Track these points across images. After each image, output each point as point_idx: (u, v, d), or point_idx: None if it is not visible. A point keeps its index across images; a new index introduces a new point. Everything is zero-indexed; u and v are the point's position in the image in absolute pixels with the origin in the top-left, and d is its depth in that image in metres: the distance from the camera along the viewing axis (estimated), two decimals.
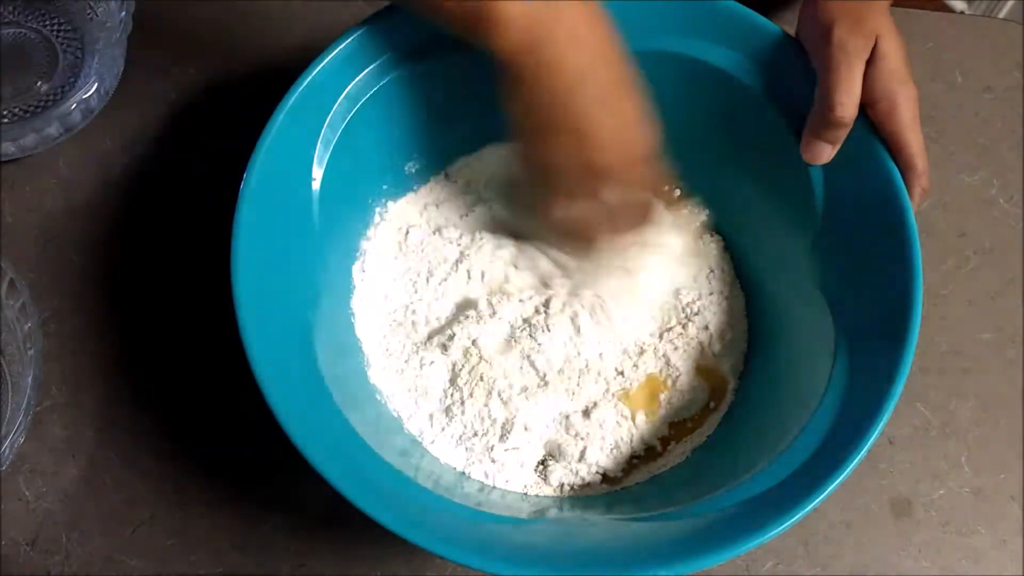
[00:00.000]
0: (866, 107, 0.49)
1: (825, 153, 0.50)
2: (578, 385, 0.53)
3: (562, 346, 0.54)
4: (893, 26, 0.49)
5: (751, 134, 0.55)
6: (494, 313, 0.54)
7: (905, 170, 0.49)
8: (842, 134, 0.49)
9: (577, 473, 0.52)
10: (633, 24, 0.51)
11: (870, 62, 0.49)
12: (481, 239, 0.56)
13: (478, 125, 0.56)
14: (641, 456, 0.53)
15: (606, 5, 0.48)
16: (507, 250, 0.56)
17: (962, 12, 0.73)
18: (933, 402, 0.58)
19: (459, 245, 0.57)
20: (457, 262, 0.56)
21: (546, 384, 0.53)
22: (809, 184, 0.53)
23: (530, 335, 0.53)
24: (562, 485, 0.52)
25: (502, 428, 0.52)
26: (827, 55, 0.49)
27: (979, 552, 0.55)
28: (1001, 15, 0.73)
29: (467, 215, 0.58)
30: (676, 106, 0.55)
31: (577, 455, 0.52)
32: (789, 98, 0.52)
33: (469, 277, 0.56)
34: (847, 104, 0.48)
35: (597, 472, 0.52)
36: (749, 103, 0.53)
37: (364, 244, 0.56)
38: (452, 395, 0.54)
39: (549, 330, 0.53)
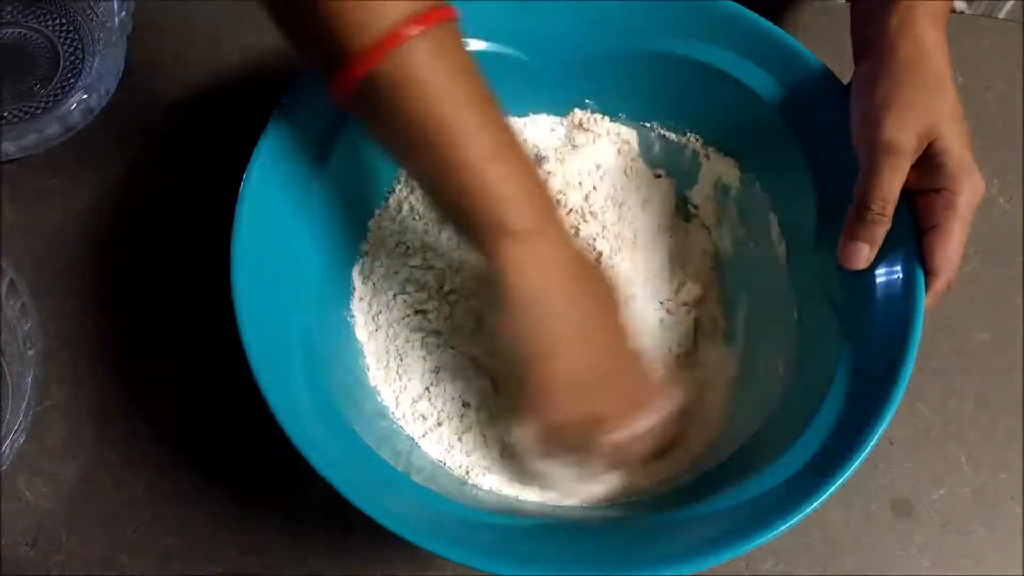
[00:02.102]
0: (919, 195, 0.47)
1: (863, 255, 0.47)
2: None
3: None
4: (956, 109, 0.46)
5: (762, 144, 0.55)
6: None
7: (941, 265, 0.46)
8: (880, 233, 0.46)
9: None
10: (656, 26, 0.53)
11: (928, 156, 0.46)
12: None
13: None
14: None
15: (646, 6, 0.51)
16: None
17: (962, 12, 0.73)
18: (933, 402, 0.58)
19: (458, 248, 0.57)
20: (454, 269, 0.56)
21: None
22: (810, 186, 0.53)
23: None
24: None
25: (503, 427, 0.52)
26: (872, 149, 0.46)
27: (979, 552, 0.55)
28: (1001, 15, 0.73)
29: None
30: (692, 109, 0.55)
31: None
32: (804, 119, 0.53)
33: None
34: (885, 203, 0.46)
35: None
36: (765, 117, 0.54)
37: (364, 246, 0.56)
38: (452, 395, 0.54)
39: None
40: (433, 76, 0.43)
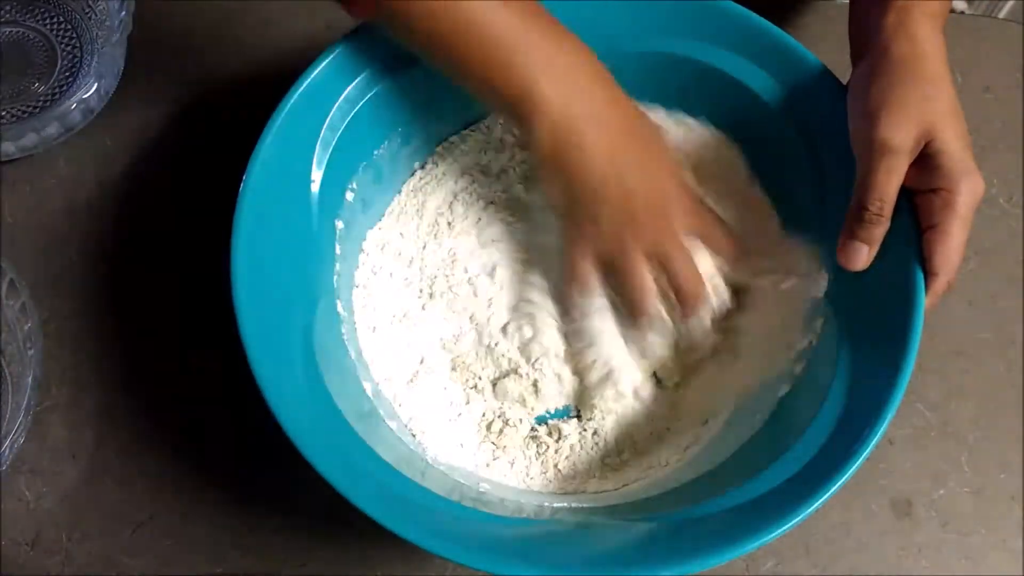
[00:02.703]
0: (918, 195, 0.47)
1: (862, 255, 0.47)
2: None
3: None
4: (954, 108, 0.46)
5: (761, 144, 0.55)
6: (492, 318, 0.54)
7: (941, 266, 0.46)
8: (878, 233, 0.47)
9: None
10: (655, 26, 0.54)
11: (926, 156, 0.46)
12: (491, 260, 0.56)
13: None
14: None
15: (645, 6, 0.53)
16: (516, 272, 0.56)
17: (962, 12, 0.73)
18: (933, 402, 0.58)
19: (454, 253, 0.56)
20: (453, 270, 0.56)
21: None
22: (810, 186, 0.53)
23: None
24: (560, 474, 0.52)
25: (503, 427, 0.52)
26: (868, 150, 0.46)
27: (979, 552, 0.55)
28: (1001, 15, 0.73)
29: (469, 220, 0.57)
30: (692, 109, 0.55)
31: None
32: (804, 119, 0.53)
33: (472, 288, 0.56)
34: (883, 203, 0.46)
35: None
36: (766, 117, 0.54)
37: (365, 245, 0.56)
38: (452, 395, 0.54)
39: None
40: None
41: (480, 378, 0.54)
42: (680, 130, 0.56)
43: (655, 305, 0.51)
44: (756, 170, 0.56)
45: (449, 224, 0.57)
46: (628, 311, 0.51)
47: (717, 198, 0.55)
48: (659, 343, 0.52)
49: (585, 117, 0.49)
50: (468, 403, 0.54)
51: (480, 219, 0.57)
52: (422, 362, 0.54)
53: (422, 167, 0.58)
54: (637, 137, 0.51)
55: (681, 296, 0.51)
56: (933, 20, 0.48)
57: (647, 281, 0.50)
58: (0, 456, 0.51)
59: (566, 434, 0.53)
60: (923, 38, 0.47)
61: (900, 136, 0.45)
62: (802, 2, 0.69)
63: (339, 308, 0.52)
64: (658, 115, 0.56)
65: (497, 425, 0.53)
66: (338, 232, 0.53)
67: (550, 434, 0.53)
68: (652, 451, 0.53)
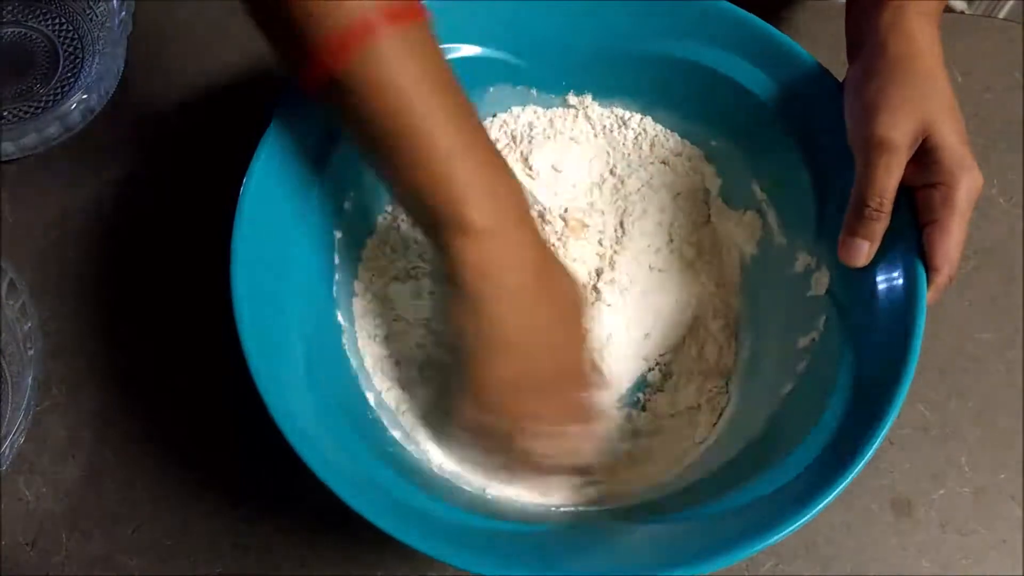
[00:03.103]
0: (916, 190, 0.47)
1: (863, 252, 0.47)
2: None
3: None
4: (950, 103, 0.46)
5: (760, 144, 0.55)
6: None
7: (941, 261, 0.46)
8: (878, 230, 0.47)
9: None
10: (651, 27, 0.53)
11: (924, 152, 0.46)
12: None
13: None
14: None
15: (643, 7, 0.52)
16: None
17: (962, 12, 0.73)
18: (933, 402, 0.58)
19: None
20: None
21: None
22: (808, 184, 0.53)
23: None
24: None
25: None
26: (866, 147, 0.46)
27: (979, 552, 0.55)
28: (1001, 15, 0.73)
29: None
30: (689, 110, 0.55)
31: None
32: (801, 119, 0.53)
33: None
34: (882, 200, 0.46)
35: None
36: (763, 117, 0.54)
37: (363, 253, 0.56)
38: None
39: None
40: (401, 71, 0.43)
41: None
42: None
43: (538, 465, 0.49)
44: (755, 170, 0.56)
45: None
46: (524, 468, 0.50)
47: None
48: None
49: (508, 253, 0.46)
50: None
51: None
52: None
53: None
54: (554, 300, 0.48)
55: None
56: (928, 17, 0.48)
57: (526, 450, 0.48)
58: (0, 456, 0.51)
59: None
60: (918, 35, 0.47)
61: (898, 133, 0.45)
62: (798, 2, 0.69)
63: (339, 318, 0.52)
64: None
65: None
66: (337, 241, 0.53)
67: None
68: (652, 456, 0.53)
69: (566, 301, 0.49)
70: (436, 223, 0.45)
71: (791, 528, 0.41)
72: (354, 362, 0.52)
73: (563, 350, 0.48)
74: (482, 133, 0.47)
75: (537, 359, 0.47)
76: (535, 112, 0.59)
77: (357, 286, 0.55)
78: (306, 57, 0.43)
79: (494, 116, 0.59)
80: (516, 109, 0.59)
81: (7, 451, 0.51)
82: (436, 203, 0.45)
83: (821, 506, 0.42)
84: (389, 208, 0.57)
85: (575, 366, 0.49)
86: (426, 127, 0.44)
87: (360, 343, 0.53)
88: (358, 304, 0.54)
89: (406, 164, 0.45)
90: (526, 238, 0.47)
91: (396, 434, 0.50)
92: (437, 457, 0.51)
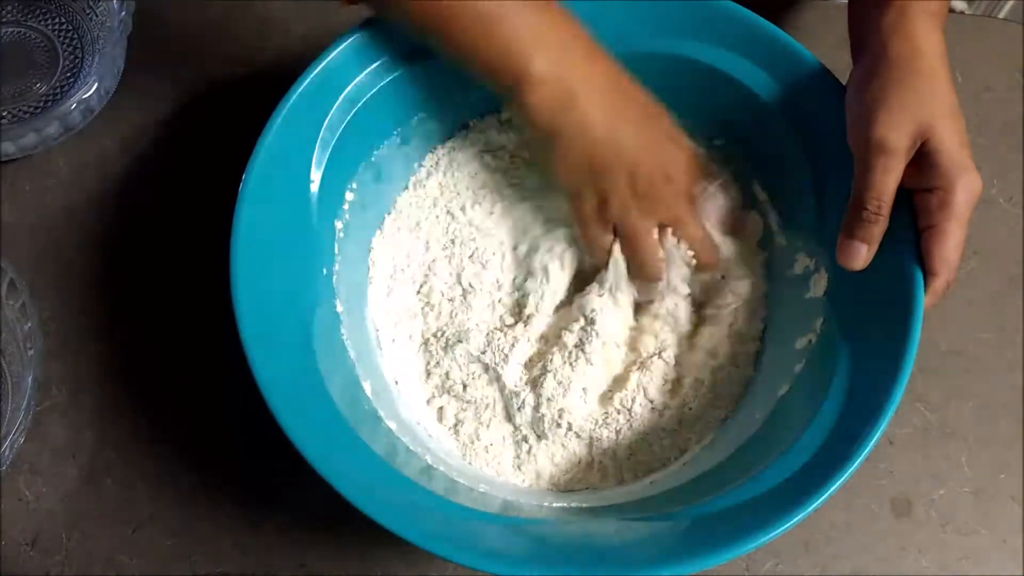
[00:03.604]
0: (915, 194, 0.47)
1: (861, 254, 0.47)
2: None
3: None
4: (951, 106, 0.46)
5: (762, 145, 0.55)
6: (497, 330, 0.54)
7: (940, 265, 0.46)
8: (877, 232, 0.47)
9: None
10: (653, 25, 0.54)
11: (923, 154, 0.46)
12: (498, 245, 0.56)
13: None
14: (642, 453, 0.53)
15: (645, 6, 0.53)
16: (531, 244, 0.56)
17: (962, 12, 0.73)
18: (933, 402, 0.58)
19: (460, 254, 0.56)
20: (459, 275, 0.56)
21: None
22: (809, 185, 0.53)
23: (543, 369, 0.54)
24: (553, 476, 0.52)
25: (502, 421, 0.52)
26: (865, 149, 0.46)
27: (979, 552, 0.55)
28: (1001, 15, 0.73)
29: (472, 221, 0.57)
30: (691, 109, 0.55)
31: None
32: (803, 119, 0.53)
33: (473, 289, 0.56)
34: (880, 203, 0.46)
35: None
36: (765, 117, 0.54)
37: (364, 246, 0.56)
38: (452, 394, 0.54)
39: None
40: None
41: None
42: None
43: (664, 272, 0.53)
44: (755, 170, 0.56)
45: (449, 222, 0.57)
46: (642, 276, 0.53)
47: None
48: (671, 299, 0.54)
49: (580, 87, 0.49)
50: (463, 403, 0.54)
51: (483, 214, 0.57)
52: (422, 361, 0.54)
53: (421, 166, 0.58)
54: (634, 104, 0.51)
55: (697, 259, 0.53)
56: (931, 19, 0.48)
57: (658, 251, 0.52)
58: (0, 456, 0.51)
59: (567, 437, 0.53)
60: (921, 37, 0.47)
61: (896, 135, 0.45)
62: (801, 2, 0.69)
63: (338, 308, 0.52)
64: None
65: (495, 424, 0.53)
66: (337, 233, 0.53)
67: (551, 435, 0.53)
68: (651, 451, 0.53)
69: (652, 109, 0.52)
70: (508, 77, 0.49)
71: (785, 527, 0.42)
72: (352, 353, 0.52)
73: (662, 145, 0.52)
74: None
75: (642, 157, 0.50)
76: None
77: (357, 277, 0.55)
78: None
79: (497, 113, 0.59)
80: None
81: (7, 451, 0.51)
82: (504, 61, 0.48)
83: (815, 505, 0.42)
84: (395, 200, 0.57)
85: (680, 153, 0.52)
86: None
87: (358, 334, 0.53)
88: (357, 295, 0.54)
89: (465, 30, 0.48)
90: (595, 65, 0.50)
91: (392, 425, 0.50)
92: (432, 450, 0.51)
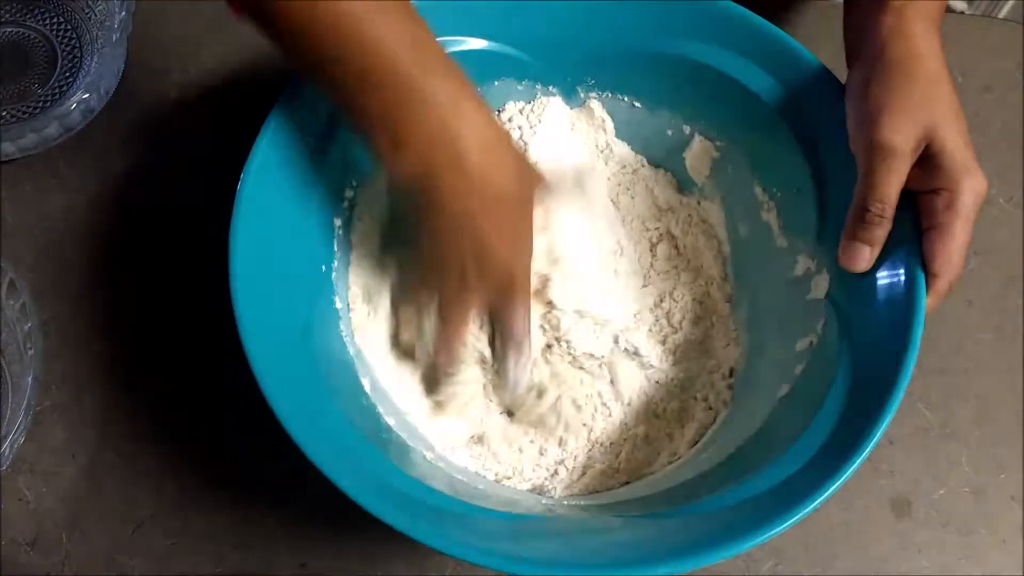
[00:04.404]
0: (919, 195, 0.47)
1: (864, 256, 0.47)
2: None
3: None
4: (954, 108, 0.46)
5: (763, 146, 0.55)
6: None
7: (943, 267, 0.46)
8: (880, 234, 0.47)
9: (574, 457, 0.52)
10: (654, 27, 0.53)
11: (927, 156, 0.46)
12: None
13: None
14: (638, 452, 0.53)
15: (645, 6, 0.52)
16: None
17: (962, 12, 0.73)
18: (933, 402, 0.58)
19: None
20: None
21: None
22: (810, 186, 0.53)
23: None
24: (557, 473, 0.52)
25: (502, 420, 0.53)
26: (868, 152, 0.46)
27: (979, 552, 0.55)
28: (1001, 15, 0.73)
29: None
30: (692, 110, 0.55)
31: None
32: (804, 120, 0.53)
33: None
34: (884, 205, 0.46)
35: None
36: (765, 117, 0.54)
37: (364, 242, 0.56)
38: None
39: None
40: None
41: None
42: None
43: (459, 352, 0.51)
44: (756, 171, 0.56)
45: None
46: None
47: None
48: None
49: (464, 142, 0.46)
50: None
51: None
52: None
53: None
54: (506, 176, 0.48)
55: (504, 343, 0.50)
56: (929, 20, 0.48)
57: (460, 331, 0.50)
58: (0, 456, 0.51)
59: (566, 434, 0.53)
60: (920, 39, 0.47)
61: (901, 138, 0.45)
62: (802, 2, 0.69)
63: (338, 305, 0.52)
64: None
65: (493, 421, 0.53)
66: (336, 230, 0.53)
67: (552, 435, 0.53)
68: (652, 451, 0.53)
69: (508, 198, 0.48)
70: (371, 137, 0.47)
71: (785, 525, 0.41)
72: (351, 350, 0.52)
73: (493, 243, 0.48)
74: (418, 42, 0.46)
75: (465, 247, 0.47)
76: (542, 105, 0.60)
77: (356, 274, 0.55)
78: None
79: (500, 111, 0.59)
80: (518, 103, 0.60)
81: (7, 451, 0.51)
82: (372, 119, 0.46)
83: (815, 504, 0.42)
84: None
85: (506, 268, 0.49)
86: (369, 25, 0.44)
87: (357, 330, 0.53)
88: (356, 292, 0.54)
89: (343, 84, 0.46)
90: (478, 132, 0.47)
91: (391, 421, 0.50)
92: (432, 446, 0.51)
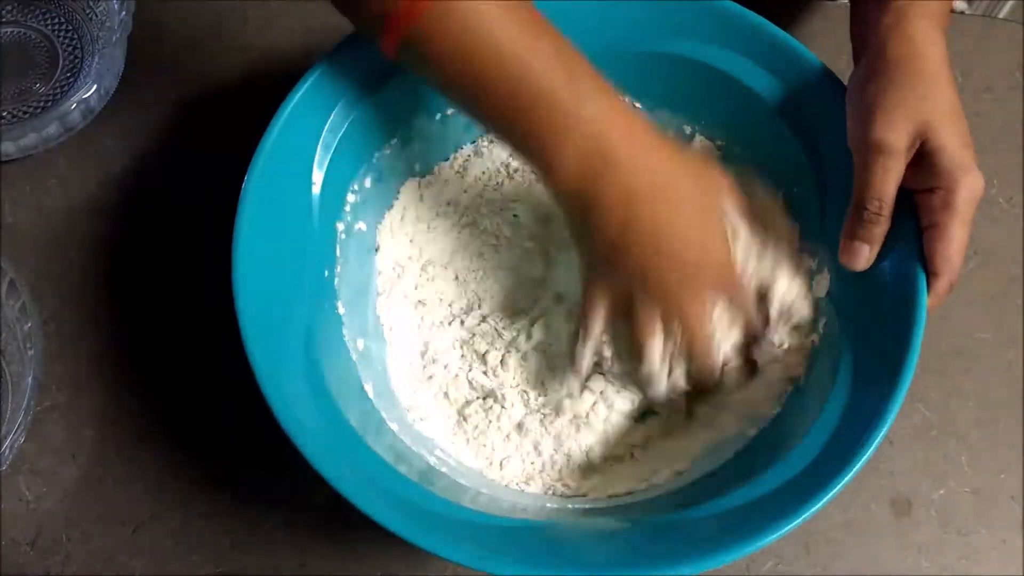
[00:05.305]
0: (917, 194, 0.47)
1: (863, 255, 0.47)
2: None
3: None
4: (952, 107, 0.46)
5: (762, 145, 0.55)
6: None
7: (942, 266, 0.46)
8: (878, 233, 0.46)
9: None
10: (654, 26, 0.53)
11: (923, 155, 0.46)
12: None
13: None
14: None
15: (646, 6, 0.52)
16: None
17: (962, 12, 0.73)
18: (933, 402, 0.58)
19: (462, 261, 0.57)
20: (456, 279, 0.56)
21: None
22: (812, 186, 0.53)
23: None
24: (562, 481, 0.52)
25: (501, 424, 0.53)
26: (864, 149, 0.46)
27: (979, 552, 0.55)
28: (1001, 15, 0.73)
29: (475, 220, 0.57)
30: (693, 110, 0.55)
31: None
32: (805, 120, 0.53)
33: (477, 299, 0.56)
34: (881, 203, 0.46)
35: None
36: (766, 117, 0.54)
37: (366, 245, 0.56)
38: (453, 397, 0.54)
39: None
40: (479, 15, 0.44)
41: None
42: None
43: (654, 364, 0.48)
44: (758, 172, 0.56)
45: (448, 227, 0.57)
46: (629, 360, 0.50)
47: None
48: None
49: (618, 148, 0.45)
50: (469, 404, 0.54)
51: (479, 226, 0.57)
52: (423, 363, 0.54)
53: (423, 169, 0.58)
54: (678, 179, 0.47)
55: (691, 365, 0.49)
56: (931, 20, 0.48)
57: (654, 340, 0.47)
58: (0, 456, 0.51)
59: (565, 438, 0.53)
60: (920, 38, 0.47)
61: (894, 136, 0.45)
62: (802, 2, 0.69)
63: (340, 309, 0.52)
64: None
65: (499, 426, 0.53)
66: (339, 234, 0.53)
67: (556, 439, 0.53)
68: (653, 454, 0.53)
69: (698, 192, 0.48)
70: (530, 160, 0.47)
71: (786, 528, 0.42)
72: (353, 354, 0.52)
73: (698, 235, 0.47)
74: (568, 62, 0.46)
75: (667, 244, 0.46)
76: None
77: (359, 278, 0.54)
78: (383, 16, 0.45)
79: None
80: None
81: (7, 451, 0.51)
82: (528, 143, 0.46)
83: (817, 507, 0.42)
84: (397, 198, 0.57)
85: (716, 247, 0.48)
86: (516, 70, 0.45)
87: (359, 335, 0.53)
88: (359, 296, 0.54)
89: (498, 111, 0.46)
90: (639, 128, 0.47)
91: (394, 427, 0.50)
92: (433, 451, 0.51)
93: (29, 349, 0.53)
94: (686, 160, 0.48)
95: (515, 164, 0.58)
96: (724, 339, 0.49)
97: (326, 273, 0.52)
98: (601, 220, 0.46)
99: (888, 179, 0.46)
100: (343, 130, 0.52)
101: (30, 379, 0.52)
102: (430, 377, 0.54)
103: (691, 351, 0.48)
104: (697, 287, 0.47)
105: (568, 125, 0.45)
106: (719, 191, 0.49)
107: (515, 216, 0.57)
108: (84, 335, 0.58)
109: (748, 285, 0.49)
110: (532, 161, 0.47)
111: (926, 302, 0.46)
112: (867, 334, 0.48)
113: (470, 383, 0.54)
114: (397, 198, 0.57)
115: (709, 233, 0.48)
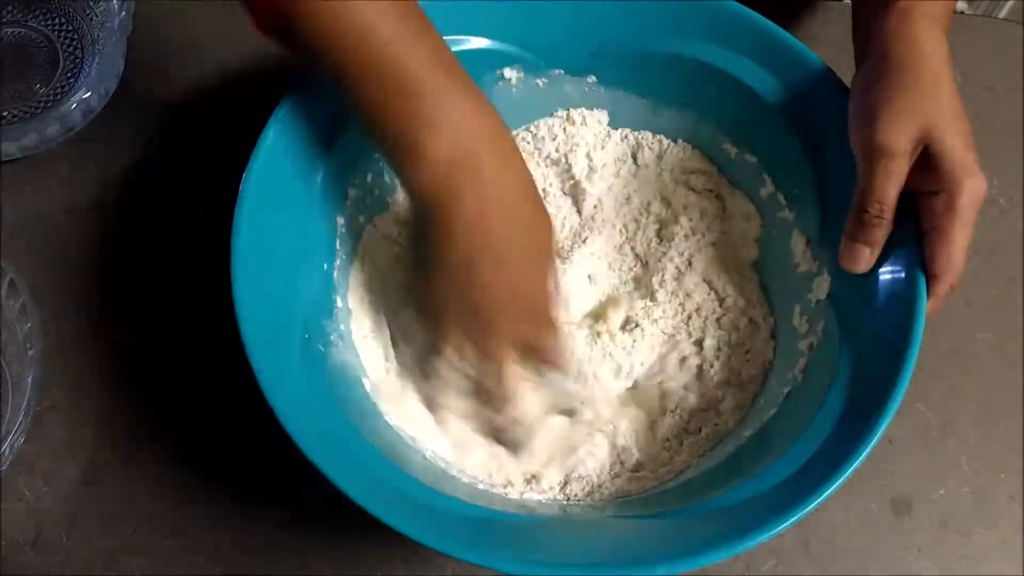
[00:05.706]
0: (919, 196, 0.47)
1: (864, 257, 0.47)
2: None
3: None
4: (954, 109, 0.46)
5: (763, 145, 0.55)
6: None
7: (943, 269, 0.46)
8: (879, 235, 0.47)
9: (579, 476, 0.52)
10: (658, 26, 0.54)
11: (926, 157, 0.46)
12: None
13: None
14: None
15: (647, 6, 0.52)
16: None
17: (962, 12, 0.73)
18: (933, 402, 0.58)
19: None
20: None
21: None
22: (812, 187, 0.53)
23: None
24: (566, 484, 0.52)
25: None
26: (866, 152, 0.46)
27: (979, 552, 0.55)
28: (1001, 15, 0.74)
29: None
30: (695, 110, 0.55)
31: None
32: (806, 120, 0.53)
33: None
34: (882, 206, 0.46)
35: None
36: (768, 117, 0.54)
37: (366, 243, 0.56)
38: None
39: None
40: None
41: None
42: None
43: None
44: (760, 172, 0.56)
45: None
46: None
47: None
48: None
49: (483, 155, 0.46)
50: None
51: None
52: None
53: None
54: (522, 205, 0.48)
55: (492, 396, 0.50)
56: (934, 22, 0.47)
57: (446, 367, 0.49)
58: (0, 456, 0.51)
59: (565, 434, 0.53)
60: (923, 40, 0.47)
61: (897, 138, 0.45)
62: (804, 2, 0.69)
63: (339, 305, 0.52)
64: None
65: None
66: (339, 229, 0.53)
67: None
68: (653, 452, 0.53)
69: (530, 234, 0.48)
70: (394, 150, 0.47)
71: (784, 525, 0.42)
72: (353, 349, 0.52)
73: (518, 278, 0.48)
74: (446, 62, 0.47)
75: (482, 283, 0.47)
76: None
77: (358, 274, 0.55)
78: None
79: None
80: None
81: (7, 451, 0.51)
82: (396, 132, 0.46)
83: (815, 504, 0.42)
84: (394, 198, 0.57)
85: (533, 297, 0.48)
86: (390, 57, 0.45)
87: (358, 331, 0.53)
88: (358, 292, 0.54)
89: (368, 96, 0.46)
90: (494, 156, 0.47)
91: (392, 421, 0.50)
92: (432, 447, 0.51)
93: (29, 349, 0.53)
94: (529, 186, 0.49)
95: None
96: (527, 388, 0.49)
97: (326, 268, 0.52)
98: (451, 234, 0.47)
99: (890, 182, 0.46)
100: (343, 125, 0.52)
101: (30, 379, 0.52)
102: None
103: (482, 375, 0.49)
104: (500, 328, 0.48)
105: (439, 120, 0.46)
106: (550, 229, 0.50)
107: None
108: (84, 335, 0.58)
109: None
110: (399, 156, 0.47)
111: (925, 305, 0.46)
112: (867, 336, 0.48)
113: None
114: (397, 192, 0.57)
115: (538, 270, 0.49)
